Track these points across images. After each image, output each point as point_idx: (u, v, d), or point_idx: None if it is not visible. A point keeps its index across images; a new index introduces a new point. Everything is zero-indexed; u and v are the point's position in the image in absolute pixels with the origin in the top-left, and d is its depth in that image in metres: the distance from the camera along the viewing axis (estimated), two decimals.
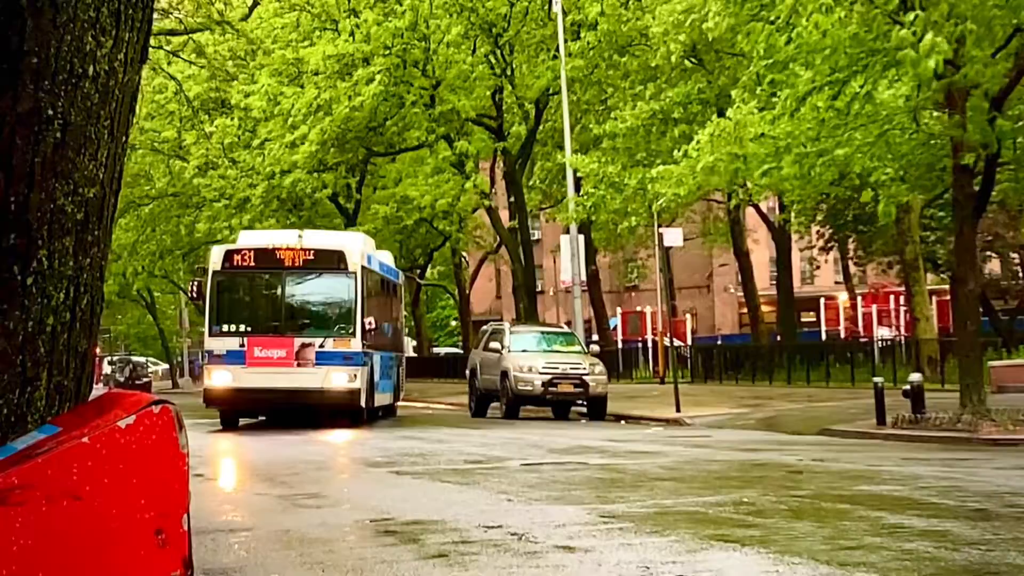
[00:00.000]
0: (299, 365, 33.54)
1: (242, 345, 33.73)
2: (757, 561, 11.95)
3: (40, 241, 4.34)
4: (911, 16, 24.23)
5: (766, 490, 18.14)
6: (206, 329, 34.61)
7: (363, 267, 35.09)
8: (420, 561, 12.51)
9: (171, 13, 34.44)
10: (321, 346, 33.72)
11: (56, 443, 3.71)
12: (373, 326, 35.32)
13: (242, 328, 34.10)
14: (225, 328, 34.12)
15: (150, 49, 29.83)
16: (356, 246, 36.18)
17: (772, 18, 28.21)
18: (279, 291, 34.58)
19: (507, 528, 14.58)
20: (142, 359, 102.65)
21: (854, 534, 13.55)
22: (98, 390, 9.14)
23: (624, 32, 47.39)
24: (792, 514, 15.64)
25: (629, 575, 11.78)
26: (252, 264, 34.35)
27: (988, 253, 58.15)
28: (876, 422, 29.04)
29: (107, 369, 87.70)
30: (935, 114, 29.35)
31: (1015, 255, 58.77)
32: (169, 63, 41.87)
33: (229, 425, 35.27)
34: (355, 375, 34.08)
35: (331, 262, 34.56)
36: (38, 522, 3.55)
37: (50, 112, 4.38)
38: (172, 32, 35.18)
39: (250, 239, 37.44)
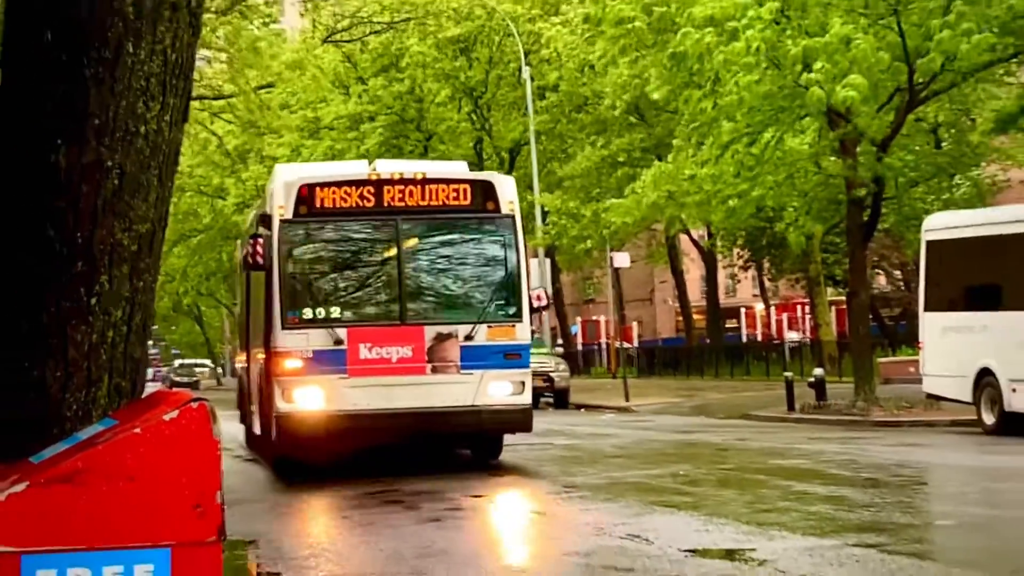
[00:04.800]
0: (435, 371, 17.17)
1: (339, 342, 16.94)
2: (690, 522, 11.96)
3: (102, 268, 4.38)
4: (818, 65, 24.33)
5: (698, 464, 18.15)
6: (276, 317, 17.17)
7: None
8: (418, 525, 12.49)
9: (214, 85, 34.15)
10: (468, 338, 17.20)
11: (113, 433, 3.72)
12: (544, 303, 19.33)
13: (336, 314, 17.37)
14: (307, 315, 17.28)
15: (197, 110, 29.48)
16: (502, 176, 19.88)
17: (701, 83, 28.31)
18: (394, 251, 17.79)
19: (488, 497, 14.59)
20: (190, 361, 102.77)
21: (769, 499, 13.56)
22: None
23: (580, 93, 47.61)
24: (719, 484, 15.66)
25: (587, 534, 11.77)
26: (346, 205, 17.53)
27: (876, 271, 58.22)
28: (787, 408, 28.99)
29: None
30: (832, 158, 29.46)
31: (898, 272, 58.87)
32: (212, 122, 41.73)
33: (288, 473, 17.89)
34: (522, 383, 17.65)
35: (474, 200, 17.84)
36: (99, 498, 3.58)
37: (109, 163, 4.41)
38: (218, 96, 34.86)
39: (312, 170, 21.98)
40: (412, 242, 17.88)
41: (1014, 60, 29.10)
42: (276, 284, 17.13)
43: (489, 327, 17.37)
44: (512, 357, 17.50)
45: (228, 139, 47.42)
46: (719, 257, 63.15)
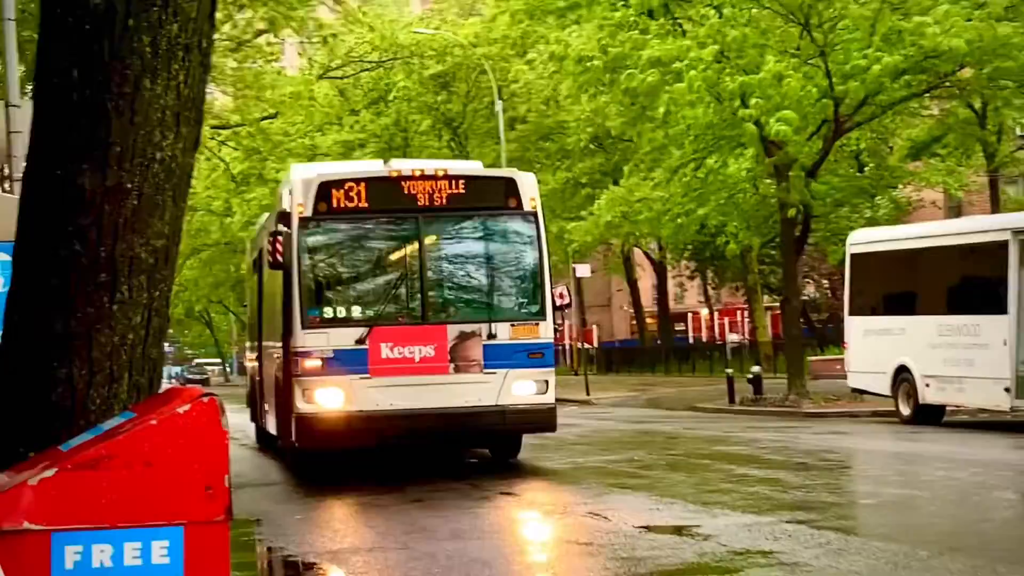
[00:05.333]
0: (458, 370, 14.92)
1: (361, 341, 14.73)
2: (643, 502, 11.98)
3: (123, 279, 4.43)
4: (752, 101, 24.54)
5: (651, 450, 18.18)
6: (295, 316, 14.94)
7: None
8: (404, 505, 12.49)
9: (222, 116, 34.14)
10: (491, 336, 14.99)
11: (133, 424, 3.74)
12: (567, 301, 16.52)
13: (358, 313, 15.11)
14: (328, 314, 15.06)
15: (207, 138, 29.41)
16: (524, 173, 16.62)
17: (652, 116, 28.43)
18: (415, 248, 15.37)
19: (466, 481, 14.57)
20: (203, 360, 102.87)
21: (713, 481, 13.61)
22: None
23: (546, 124, 47.82)
24: (669, 467, 15.68)
25: (553, 513, 11.78)
26: (365, 204, 15.12)
27: (807, 280, 58.43)
28: (728, 401, 29.09)
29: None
30: (768, 181, 29.62)
31: (826, 281, 59.09)
32: (220, 149, 41.67)
33: (302, 469, 16.36)
34: (546, 382, 15.53)
35: (495, 197, 15.55)
36: (120, 482, 3.60)
37: (129, 186, 4.46)
38: (223, 127, 34.89)
39: (329, 168, 19.13)
40: (433, 240, 15.55)
41: (927, 95, 29.33)
42: (295, 283, 14.85)
43: (512, 326, 15.14)
44: (536, 356, 15.24)
45: (234, 164, 47.44)
46: (668, 268, 63.31)
